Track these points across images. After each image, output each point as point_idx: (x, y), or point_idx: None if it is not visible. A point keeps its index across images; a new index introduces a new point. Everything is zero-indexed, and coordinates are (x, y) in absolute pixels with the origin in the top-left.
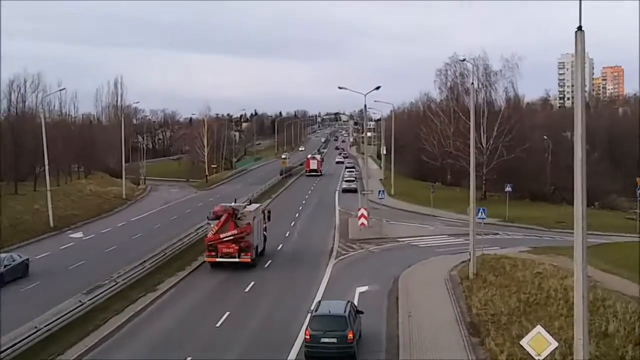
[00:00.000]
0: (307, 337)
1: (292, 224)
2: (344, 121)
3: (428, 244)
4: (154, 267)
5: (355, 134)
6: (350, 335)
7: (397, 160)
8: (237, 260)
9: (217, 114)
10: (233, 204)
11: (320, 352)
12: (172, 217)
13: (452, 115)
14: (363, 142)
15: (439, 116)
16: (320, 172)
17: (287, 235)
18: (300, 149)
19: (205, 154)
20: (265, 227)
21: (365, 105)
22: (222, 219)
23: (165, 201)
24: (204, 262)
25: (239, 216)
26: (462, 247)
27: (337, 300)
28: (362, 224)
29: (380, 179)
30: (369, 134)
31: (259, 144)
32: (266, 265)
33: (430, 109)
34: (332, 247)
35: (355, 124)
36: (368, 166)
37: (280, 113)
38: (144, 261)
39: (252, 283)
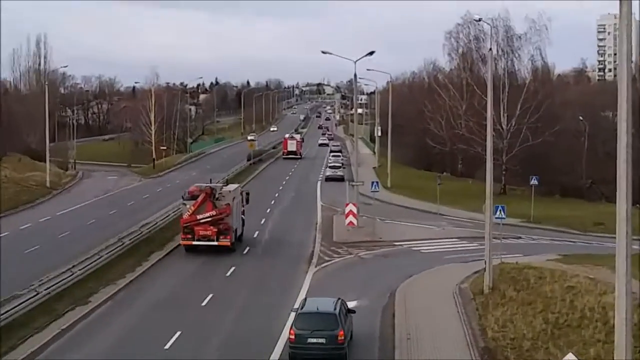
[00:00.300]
0: (292, 337)
1: (262, 222)
2: (328, 94)
3: (433, 249)
4: (87, 274)
5: (342, 111)
6: (341, 335)
7: (395, 144)
8: (215, 243)
9: (167, 83)
10: (210, 183)
11: (307, 354)
12: (111, 212)
13: (465, 89)
14: (352, 121)
15: (448, 90)
16: (300, 154)
17: (255, 235)
18: (272, 128)
19: (152, 132)
20: (244, 210)
21: (355, 75)
22: (199, 198)
23: (102, 191)
24: (160, 259)
25: (217, 196)
26: (476, 254)
27: (326, 297)
28: (351, 222)
29: (374, 167)
30: (359, 110)
31: (220, 121)
32: (228, 273)
33: (437, 81)
34: (312, 252)
35: (343, 97)
36: (358, 150)
37: (248, 83)
38: (73, 266)
39: (210, 295)
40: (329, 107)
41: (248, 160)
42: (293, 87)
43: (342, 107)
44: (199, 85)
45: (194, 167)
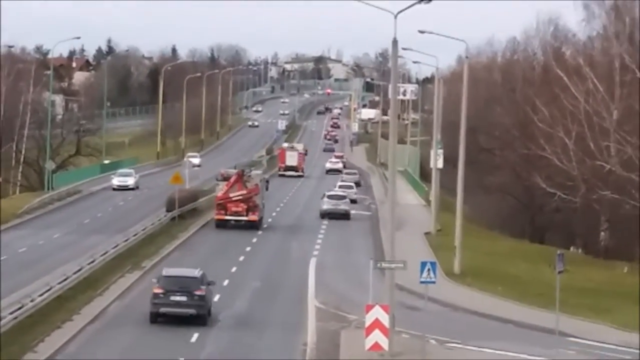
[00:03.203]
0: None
1: (193, 339)
2: (338, 79)
3: None
4: None
5: (367, 115)
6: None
7: (473, 186)
8: (245, 218)
9: (9, 47)
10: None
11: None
12: None
13: (619, 76)
14: (383, 137)
15: (584, 79)
16: (302, 171)
17: None
18: (191, 157)
19: None
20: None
21: (395, 41)
22: (232, 179)
23: None
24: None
25: (246, 178)
26: None
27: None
28: (376, 346)
29: (427, 233)
30: (402, 116)
31: (114, 128)
32: None
33: (560, 59)
34: None
35: (369, 86)
36: (397, 197)
37: (174, 51)
38: None
39: None
40: (338, 108)
41: (168, 210)
42: (266, 63)
43: (365, 106)
44: (72, 53)
45: (56, 221)
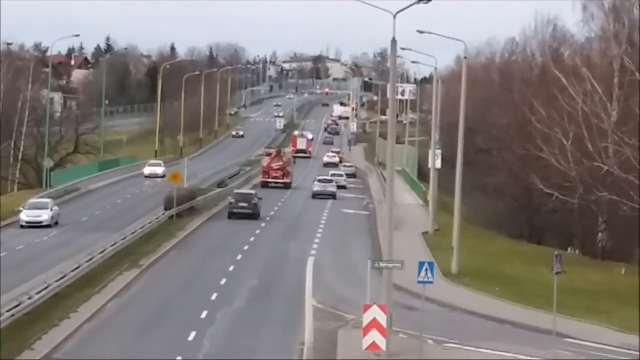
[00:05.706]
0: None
1: (191, 337)
2: (337, 79)
3: None
4: None
5: (363, 114)
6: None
7: (471, 187)
8: (282, 181)
9: (8, 44)
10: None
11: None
12: None
13: (617, 79)
14: (382, 137)
15: (582, 80)
16: (310, 153)
17: None
18: (150, 168)
19: None
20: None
21: (394, 40)
22: (273, 154)
23: None
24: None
25: (282, 154)
26: None
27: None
28: (374, 345)
29: (425, 233)
30: (401, 117)
31: (113, 126)
32: None
33: (559, 61)
34: None
35: (367, 86)
36: (395, 197)
37: (173, 49)
38: None
39: None
40: (338, 105)
41: (166, 209)
42: (264, 62)
43: (363, 105)
44: (71, 51)
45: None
